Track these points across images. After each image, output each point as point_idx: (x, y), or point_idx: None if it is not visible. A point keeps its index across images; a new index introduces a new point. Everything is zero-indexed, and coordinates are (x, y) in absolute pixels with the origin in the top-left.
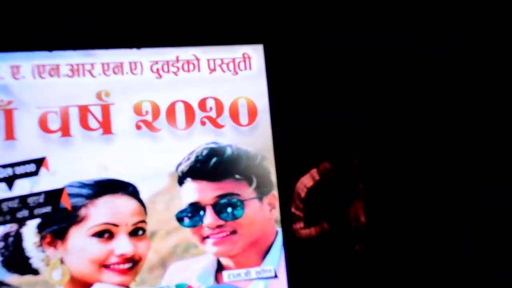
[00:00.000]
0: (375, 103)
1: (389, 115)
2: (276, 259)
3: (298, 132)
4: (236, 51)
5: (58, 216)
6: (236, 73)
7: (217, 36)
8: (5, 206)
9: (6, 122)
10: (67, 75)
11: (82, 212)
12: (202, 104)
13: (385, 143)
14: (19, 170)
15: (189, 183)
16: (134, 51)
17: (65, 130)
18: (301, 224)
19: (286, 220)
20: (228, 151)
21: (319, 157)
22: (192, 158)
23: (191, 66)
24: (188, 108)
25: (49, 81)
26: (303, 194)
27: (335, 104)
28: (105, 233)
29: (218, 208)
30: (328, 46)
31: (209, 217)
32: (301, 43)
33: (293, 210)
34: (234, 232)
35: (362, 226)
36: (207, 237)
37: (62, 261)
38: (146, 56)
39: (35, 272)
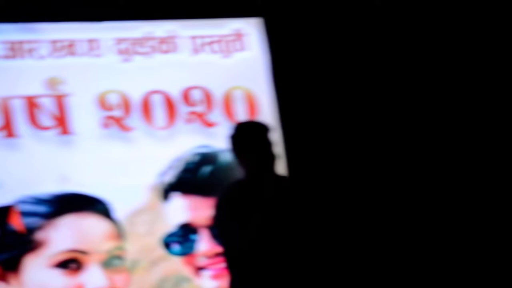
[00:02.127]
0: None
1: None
2: None
3: (314, 129)
4: (227, 26)
5: (7, 242)
6: (228, 55)
7: (203, 6)
8: None
9: None
10: (6, 56)
11: (39, 235)
12: (186, 96)
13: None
14: None
15: (177, 198)
16: (92, 25)
17: (9, 129)
18: None
19: None
20: (226, 156)
21: (340, 160)
22: (180, 167)
23: (168, 46)
24: (169, 100)
25: None
26: None
27: (357, 93)
28: (71, 263)
29: None
30: (349, 18)
31: (204, 243)
32: (313, 15)
33: None
34: None
35: None
36: (203, 268)
37: None
38: (110, 32)
39: None
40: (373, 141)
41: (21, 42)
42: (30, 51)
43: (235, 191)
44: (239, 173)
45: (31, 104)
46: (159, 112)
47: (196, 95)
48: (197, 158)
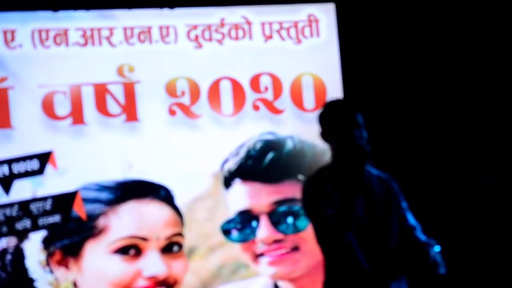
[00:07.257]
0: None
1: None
2: None
3: (380, 120)
4: (299, 12)
5: (69, 228)
6: (299, 41)
7: None
8: (0, 215)
9: None
10: (78, 44)
11: (101, 222)
12: (254, 83)
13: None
14: (18, 168)
15: (238, 185)
16: (165, 11)
17: (76, 116)
18: None
19: None
20: (289, 144)
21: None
22: (242, 154)
23: (240, 33)
24: (237, 87)
25: (54, 51)
26: None
27: (431, 86)
28: (130, 249)
29: (276, 218)
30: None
31: (264, 230)
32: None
33: None
34: (296, 248)
35: None
36: (262, 254)
37: (75, 285)
38: (182, 18)
39: None
40: (444, 137)
41: (93, 29)
42: (102, 38)
43: (322, 174)
44: (302, 161)
45: (100, 91)
46: (227, 99)
47: (264, 82)
48: (260, 145)
